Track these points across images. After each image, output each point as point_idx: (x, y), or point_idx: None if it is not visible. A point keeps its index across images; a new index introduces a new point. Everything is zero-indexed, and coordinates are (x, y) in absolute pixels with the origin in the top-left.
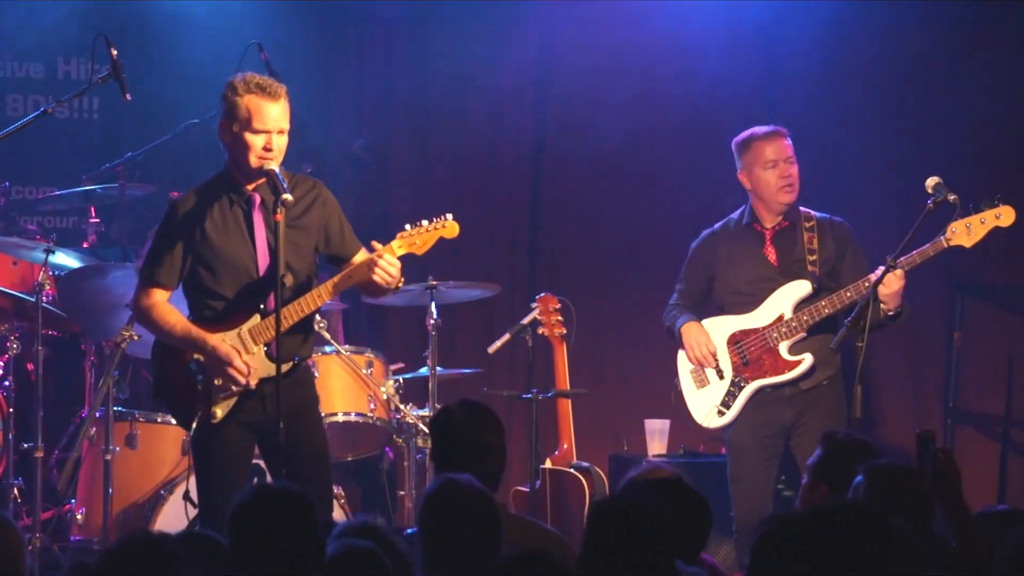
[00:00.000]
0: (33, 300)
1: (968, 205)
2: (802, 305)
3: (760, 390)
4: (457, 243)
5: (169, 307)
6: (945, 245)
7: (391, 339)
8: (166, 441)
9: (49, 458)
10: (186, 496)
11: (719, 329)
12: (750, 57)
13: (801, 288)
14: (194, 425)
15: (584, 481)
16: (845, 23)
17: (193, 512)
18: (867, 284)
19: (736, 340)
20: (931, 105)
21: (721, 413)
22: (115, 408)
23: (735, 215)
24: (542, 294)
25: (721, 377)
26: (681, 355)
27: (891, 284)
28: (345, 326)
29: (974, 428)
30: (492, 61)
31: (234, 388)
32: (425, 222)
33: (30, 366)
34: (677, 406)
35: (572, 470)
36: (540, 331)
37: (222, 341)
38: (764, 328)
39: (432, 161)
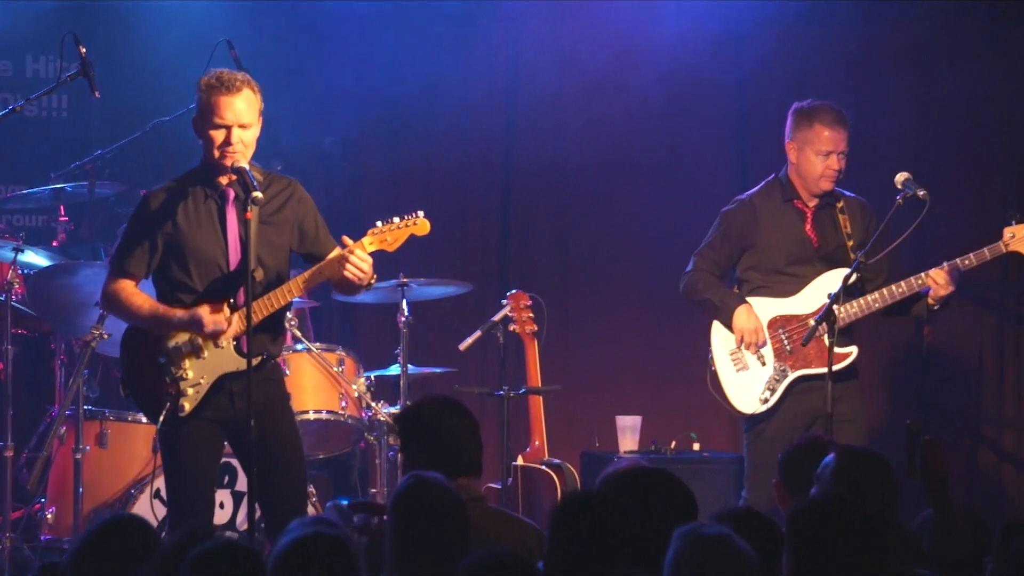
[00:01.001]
0: (2, 299)
1: (1019, 213)
2: (845, 294)
3: (800, 379)
4: (428, 240)
5: (135, 290)
6: (1004, 249)
7: (362, 337)
8: (136, 440)
9: (19, 457)
10: (156, 495)
11: (760, 312)
12: (722, 62)
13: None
14: (162, 417)
15: (556, 478)
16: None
17: (164, 511)
18: (920, 281)
19: (778, 325)
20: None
21: (764, 401)
22: (85, 407)
23: (767, 184)
24: (513, 291)
25: (763, 363)
26: (716, 334)
27: (945, 287)
28: (315, 324)
29: (944, 422)
30: (463, 58)
31: (201, 378)
32: (396, 219)
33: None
34: (713, 388)
35: (544, 467)
36: (511, 328)
37: (185, 311)
38: (808, 316)
39: (403, 158)
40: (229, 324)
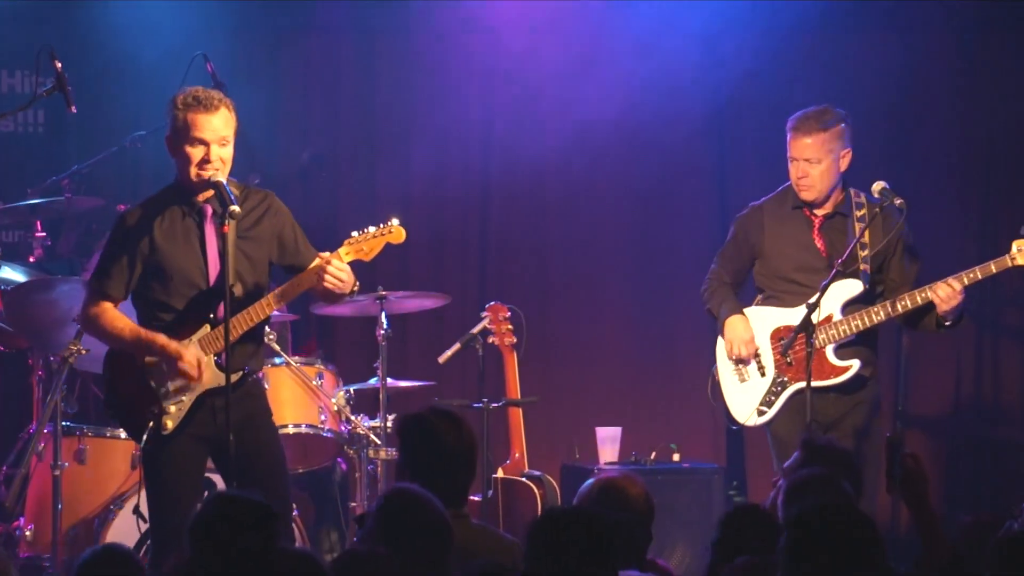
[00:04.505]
0: None
1: None
2: (851, 305)
3: (802, 390)
4: (406, 252)
5: (116, 312)
6: (1009, 263)
7: (341, 350)
8: (115, 456)
9: None
10: (136, 511)
11: (762, 322)
12: (701, 78)
13: (852, 288)
14: (145, 436)
15: (536, 490)
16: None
17: (144, 527)
18: (924, 296)
19: (780, 336)
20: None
21: (761, 412)
22: (63, 423)
23: (781, 191)
24: (492, 303)
25: (763, 374)
26: (721, 344)
27: (949, 301)
28: (294, 337)
29: (922, 431)
30: (440, 69)
31: (183, 395)
32: (371, 228)
33: None
34: (714, 398)
35: (524, 479)
36: (490, 340)
37: (171, 341)
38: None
39: (381, 171)
40: (200, 374)
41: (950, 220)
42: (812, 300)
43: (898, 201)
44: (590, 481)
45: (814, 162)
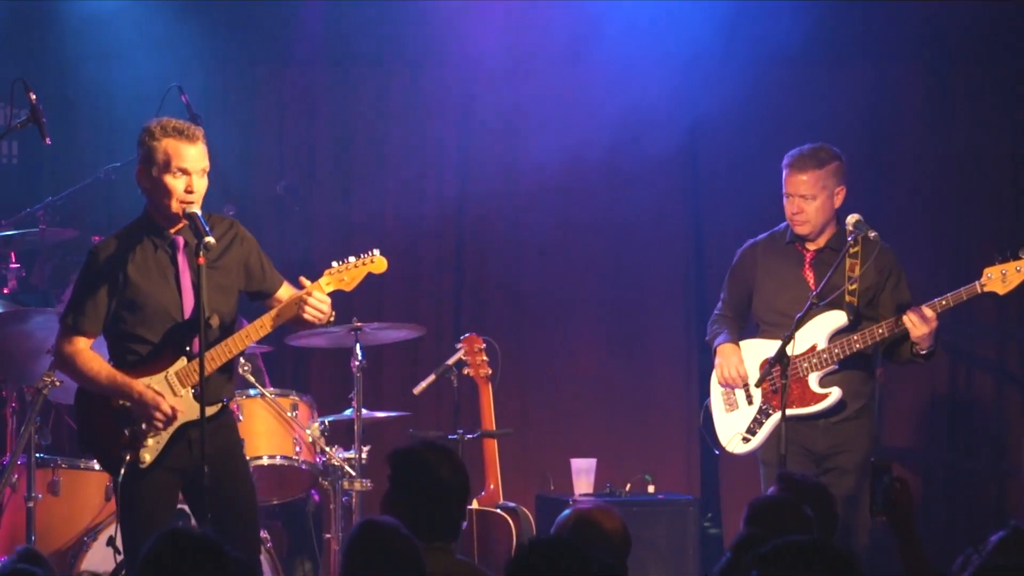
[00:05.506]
0: None
1: (1006, 252)
2: (837, 336)
3: (787, 418)
4: (381, 284)
5: (92, 354)
6: (979, 290)
7: (316, 381)
8: (89, 487)
9: None
10: (110, 543)
11: (754, 352)
12: (675, 106)
13: (837, 319)
14: (123, 471)
15: (511, 521)
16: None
17: (119, 559)
18: (899, 323)
19: (768, 365)
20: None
21: (746, 440)
22: (37, 455)
23: (779, 228)
24: (467, 334)
25: (750, 403)
26: (715, 374)
27: (920, 327)
28: (268, 368)
29: (898, 462)
30: (415, 101)
31: (159, 428)
32: (352, 258)
33: None
34: (704, 426)
35: (499, 510)
36: (465, 371)
37: (147, 387)
38: (796, 357)
39: (355, 201)
40: (174, 418)
41: (923, 247)
42: (788, 333)
43: (872, 234)
44: (567, 512)
45: (809, 198)
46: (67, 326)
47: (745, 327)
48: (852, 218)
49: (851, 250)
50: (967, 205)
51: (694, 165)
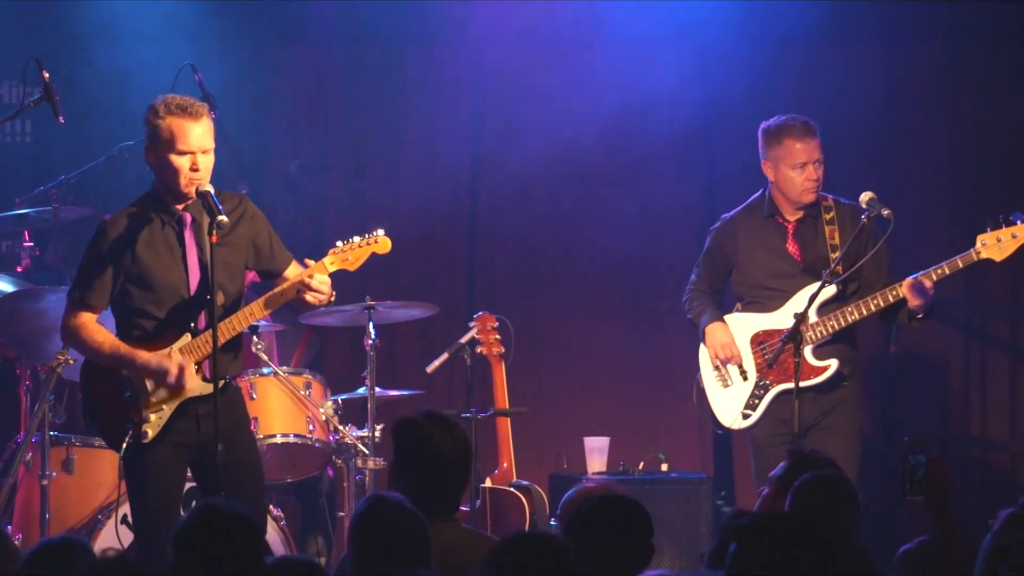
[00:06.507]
0: None
1: (999, 217)
2: (827, 306)
3: (783, 392)
4: (394, 262)
5: (97, 326)
6: (975, 258)
7: (329, 360)
8: (103, 465)
9: None
10: (124, 520)
11: (742, 328)
12: (687, 82)
13: (825, 290)
14: (125, 445)
15: (524, 500)
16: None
17: (131, 536)
18: (895, 293)
19: (760, 340)
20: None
21: (746, 416)
22: (51, 433)
23: (753, 201)
24: (480, 313)
25: (745, 378)
26: (703, 352)
27: (919, 298)
28: (280, 347)
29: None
30: (428, 79)
31: (163, 404)
32: (356, 238)
33: None
34: (699, 404)
35: (512, 489)
36: (478, 350)
37: (152, 355)
38: (786, 331)
39: (368, 180)
40: (184, 382)
41: (936, 228)
42: (800, 311)
43: (885, 212)
44: (573, 490)
45: (820, 162)
46: (73, 300)
47: (721, 301)
48: (865, 195)
49: (826, 217)
50: (982, 184)
51: (708, 145)
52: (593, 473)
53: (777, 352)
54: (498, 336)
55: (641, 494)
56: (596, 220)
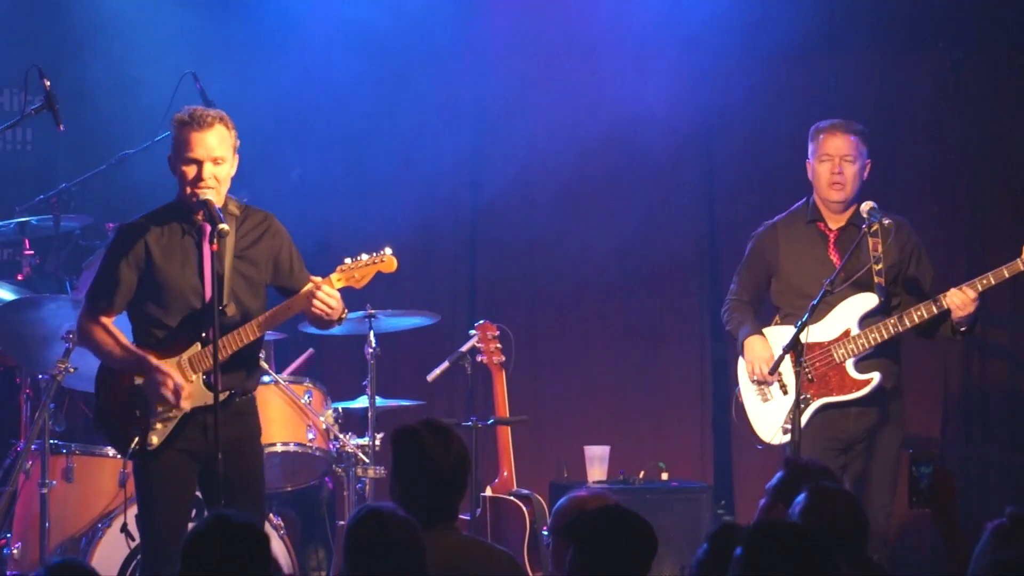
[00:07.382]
0: None
1: None
2: (868, 318)
3: (824, 407)
4: (396, 271)
5: (111, 329)
6: (1021, 267)
7: (330, 368)
8: (103, 474)
9: None
10: (123, 529)
11: (781, 341)
12: (690, 96)
13: (868, 301)
14: (131, 449)
15: (524, 509)
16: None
17: (132, 545)
18: (939, 305)
19: (800, 354)
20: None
21: (786, 431)
22: (51, 441)
23: (797, 207)
24: (481, 321)
25: (785, 392)
26: (742, 365)
27: (964, 308)
28: (280, 356)
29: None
30: (427, 87)
31: (171, 413)
32: (364, 256)
33: None
34: (738, 419)
35: (512, 498)
36: (479, 359)
37: (162, 362)
38: (830, 343)
39: (370, 188)
40: (178, 401)
41: (938, 237)
42: (801, 320)
43: (887, 221)
44: (564, 499)
45: (849, 160)
46: (90, 303)
47: (760, 311)
48: (866, 205)
49: (870, 229)
50: (983, 194)
51: (709, 155)
52: (594, 482)
53: (776, 363)
54: (499, 345)
55: (641, 503)
56: (596, 230)
